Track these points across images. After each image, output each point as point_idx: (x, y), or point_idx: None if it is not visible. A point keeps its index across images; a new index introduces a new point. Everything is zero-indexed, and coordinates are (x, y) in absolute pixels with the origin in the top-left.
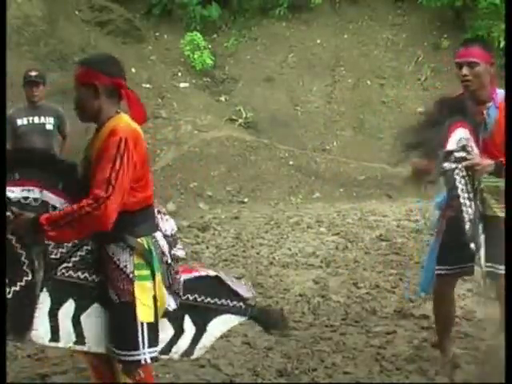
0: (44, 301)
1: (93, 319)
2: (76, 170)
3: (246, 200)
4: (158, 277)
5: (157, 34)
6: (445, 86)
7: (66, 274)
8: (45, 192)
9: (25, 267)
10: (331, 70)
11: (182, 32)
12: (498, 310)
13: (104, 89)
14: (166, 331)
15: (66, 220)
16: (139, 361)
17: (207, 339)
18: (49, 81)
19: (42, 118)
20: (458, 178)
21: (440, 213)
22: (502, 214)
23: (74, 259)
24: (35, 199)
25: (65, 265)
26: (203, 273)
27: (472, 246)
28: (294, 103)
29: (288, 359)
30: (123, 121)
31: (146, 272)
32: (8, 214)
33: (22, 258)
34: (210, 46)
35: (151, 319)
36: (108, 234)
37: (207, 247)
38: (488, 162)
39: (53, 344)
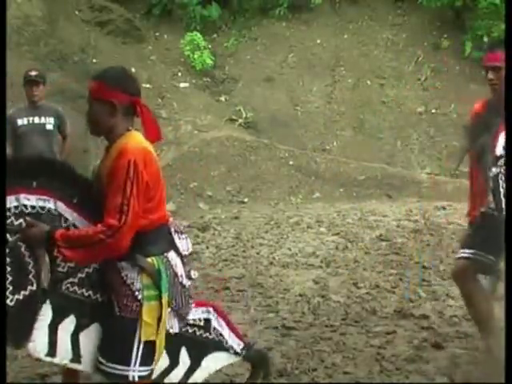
0: (45, 313)
1: (91, 338)
2: (91, 187)
3: (246, 200)
4: (165, 298)
5: (157, 34)
6: (445, 85)
7: (71, 289)
8: (59, 203)
9: (30, 276)
10: (331, 70)
11: (182, 32)
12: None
13: (121, 107)
14: (162, 360)
15: (80, 242)
16: (127, 377)
17: (201, 374)
18: (49, 81)
19: (43, 118)
20: (501, 182)
21: None
22: None
23: (80, 275)
24: (50, 209)
25: (70, 280)
26: (206, 309)
27: None
28: (294, 103)
29: (288, 359)
30: (134, 140)
31: (154, 292)
32: (21, 221)
33: (29, 267)
34: (210, 46)
35: (153, 338)
36: None
37: (207, 247)
38: None
39: (48, 359)
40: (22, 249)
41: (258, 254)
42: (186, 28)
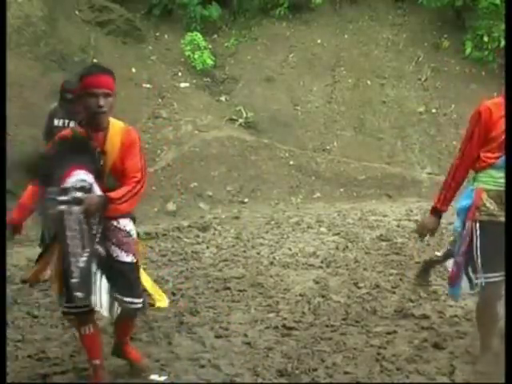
0: (96, 271)
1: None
2: (99, 160)
3: (246, 200)
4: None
5: (157, 33)
6: (445, 85)
7: (97, 247)
8: (90, 175)
9: (88, 241)
10: (331, 70)
11: (182, 32)
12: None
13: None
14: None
15: (127, 196)
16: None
17: None
18: (49, 81)
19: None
20: None
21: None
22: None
23: (98, 235)
24: (90, 183)
25: (97, 240)
26: None
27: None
28: (294, 103)
29: (288, 359)
30: (121, 123)
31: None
32: (74, 196)
33: (87, 233)
34: (210, 46)
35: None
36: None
37: (207, 247)
38: None
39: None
40: (82, 217)
41: (258, 253)
42: (186, 28)
